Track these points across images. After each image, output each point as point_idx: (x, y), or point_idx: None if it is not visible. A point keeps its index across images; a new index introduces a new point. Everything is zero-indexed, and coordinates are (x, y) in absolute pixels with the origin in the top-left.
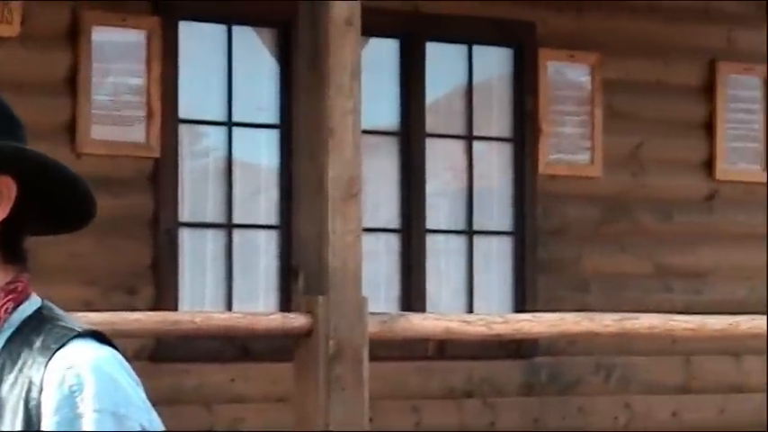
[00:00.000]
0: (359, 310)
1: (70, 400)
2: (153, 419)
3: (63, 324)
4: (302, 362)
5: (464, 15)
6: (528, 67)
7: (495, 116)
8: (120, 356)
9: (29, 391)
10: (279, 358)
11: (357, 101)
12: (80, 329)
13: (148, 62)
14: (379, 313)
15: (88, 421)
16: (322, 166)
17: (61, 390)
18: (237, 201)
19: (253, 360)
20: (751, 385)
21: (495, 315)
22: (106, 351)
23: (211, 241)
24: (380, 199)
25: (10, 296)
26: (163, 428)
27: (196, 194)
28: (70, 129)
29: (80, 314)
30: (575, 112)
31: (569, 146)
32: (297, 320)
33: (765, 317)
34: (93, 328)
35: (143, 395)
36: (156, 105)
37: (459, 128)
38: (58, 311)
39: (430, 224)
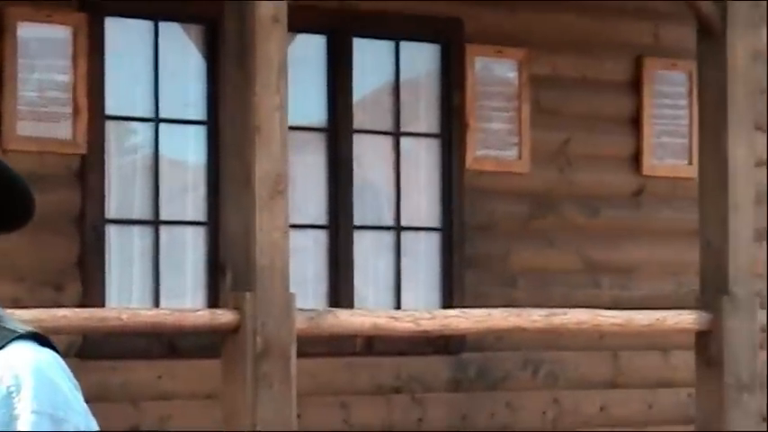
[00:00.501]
0: (286, 306)
1: (8, 401)
2: (91, 425)
3: (3, 325)
4: (230, 359)
5: (391, 11)
6: (455, 63)
7: (423, 112)
8: (60, 360)
9: None
10: (206, 355)
11: (284, 97)
12: (22, 331)
13: (74, 58)
14: (306, 309)
15: (25, 422)
16: (249, 162)
17: None
18: (165, 197)
19: (180, 357)
20: (678, 380)
21: (423, 311)
22: (47, 354)
23: (138, 238)
24: (308, 195)
25: None
26: None
27: (123, 191)
28: None
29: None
30: (502, 107)
31: (497, 141)
32: (224, 317)
33: (692, 312)
34: (35, 330)
35: (82, 400)
36: (83, 102)
37: (387, 124)
38: (0, 312)
39: (357, 220)
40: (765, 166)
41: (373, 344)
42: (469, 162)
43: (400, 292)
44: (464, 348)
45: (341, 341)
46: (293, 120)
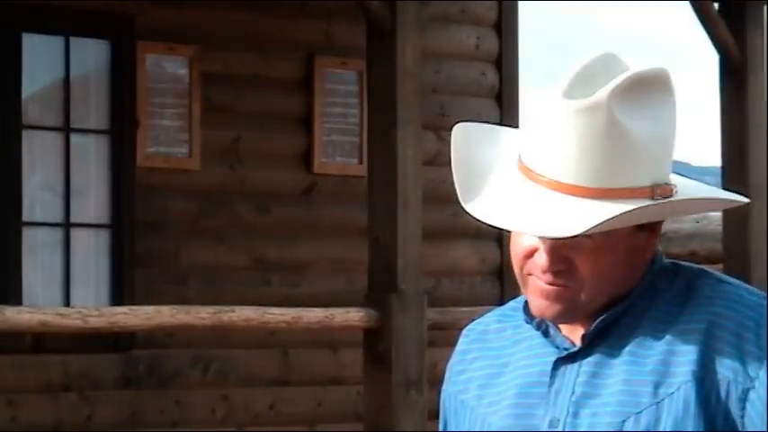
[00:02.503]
0: None
1: None
2: None
3: None
4: None
5: (61, 7)
6: (126, 60)
7: (93, 109)
8: None
9: None
10: None
11: None
12: None
13: None
14: None
15: None
16: None
17: None
18: None
19: None
20: (347, 377)
21: (91, 308)
22: None
23: None
24: None
25: None
26: None
27: None
28: None
29: None
30: (173, 104)
31: (167, 139)
32: None
33: (360, 309)
34: None
35: None
36: None
37: (57, 120)
38: None
39: (26, 216)
40: (433, 165)
41: (42, 341)
42: (140, 159)
43: (70, 289)
44: (134, 346)
45: (8, 338)
46: None
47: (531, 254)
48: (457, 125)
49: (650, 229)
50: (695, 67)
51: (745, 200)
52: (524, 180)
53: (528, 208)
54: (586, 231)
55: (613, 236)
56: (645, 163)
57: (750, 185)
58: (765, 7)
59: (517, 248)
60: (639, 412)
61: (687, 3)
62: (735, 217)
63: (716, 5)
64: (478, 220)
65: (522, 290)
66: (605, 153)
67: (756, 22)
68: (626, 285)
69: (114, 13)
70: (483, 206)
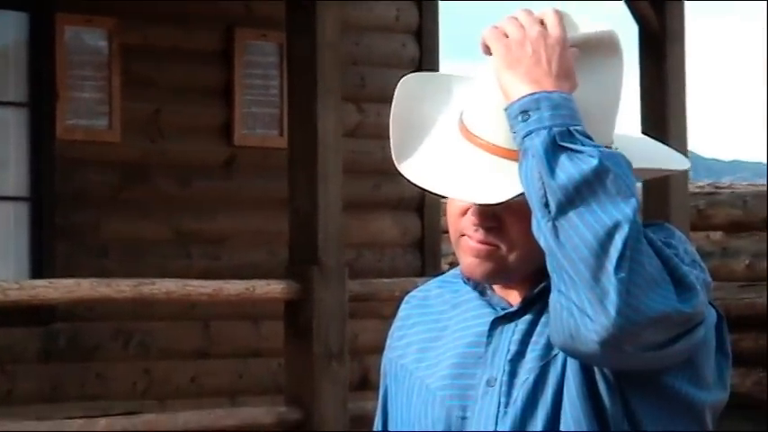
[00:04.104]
0: None
1: None
2: None
3: None
4: None
5: None
6: (44, 32)
7: (12, 81)
8: None
9: None
10: None
11: None
12: None
13: None
14: None
15: None
16: None
17: None
18: None
19: None
20: (269, 349)
21: (11, 281)
22: None
23: None
24: None
25: None
26: None
27: None
28: None
29: None
30: (93, 77)
31: (87, 111)
32: None
33: (281, 281)
34: None
35: None
36: None
37: None
38: None
39: None
40: (354, 137)
41: None
42: (60, 131)
43: None
44: (54, 319)
45: None
46: None
47: (464, 212)
48: (404, 77)
49: None
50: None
51: (685, 166)
52: (461, 140)
53: (460, 171)
54: (514, 197)
55: None
56: (585, 127)
57: None
58: None
59: (452, 208)
60: (547, 363)
61: None
62: (654, 188)
63: None
64: (410, 182)
65: (456, 252)
66: None
67: None
68: None
69: None
70: (416, 168)
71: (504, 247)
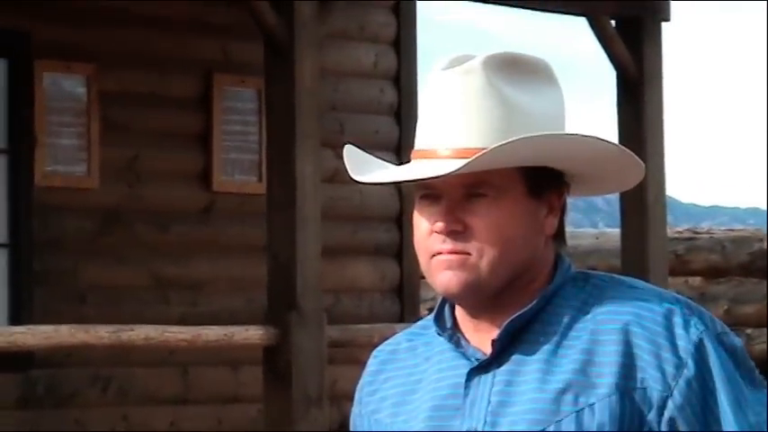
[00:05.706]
0: None
1: None
2: None
3: None
4: None
5: None
6: (24, 78)
7: None
8: None
9: None
10: None
11: None
12: None
13: None
14: None
15: None
16: None
17: None
18: None
19: None
20: (247, 395)
21: None
22: None
23: None
24: None
25: None
26: None
27: None
28: None
29: None
30: (71, 123)
31: (66, 157)
32: None
33: (260, 327)
34: None
35: None
36: None
37: None
38: None
39: None
40: (332, 183)
41: None
42: (38, 178)
43: None
44: (32, 365)
45: None
46: None
47: (432, 231)
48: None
49: (548, 203)
50: (592, 78)
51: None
52: (412, 161)
53: (413, 167)
54: (465, 166)
55: (506, 196)
56: (530, 132)
57: (648, 202)
58: (662, 25)
59: (420, 230)
60: (560, 421)
61: (584, 19)
62: (633, 233)
63: (613, 23)
64: (365, 183)
65: (428, 277)
66: (481, 113)
67: (653, 40)
68: (527, 262)
69: (11, 30)
70: (372, 175)
71: (474, 254)
